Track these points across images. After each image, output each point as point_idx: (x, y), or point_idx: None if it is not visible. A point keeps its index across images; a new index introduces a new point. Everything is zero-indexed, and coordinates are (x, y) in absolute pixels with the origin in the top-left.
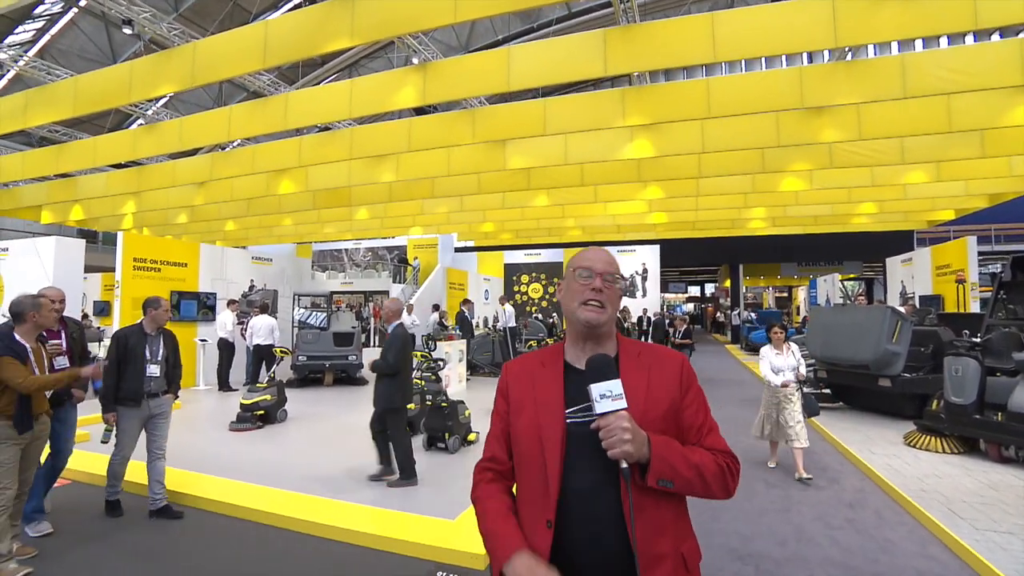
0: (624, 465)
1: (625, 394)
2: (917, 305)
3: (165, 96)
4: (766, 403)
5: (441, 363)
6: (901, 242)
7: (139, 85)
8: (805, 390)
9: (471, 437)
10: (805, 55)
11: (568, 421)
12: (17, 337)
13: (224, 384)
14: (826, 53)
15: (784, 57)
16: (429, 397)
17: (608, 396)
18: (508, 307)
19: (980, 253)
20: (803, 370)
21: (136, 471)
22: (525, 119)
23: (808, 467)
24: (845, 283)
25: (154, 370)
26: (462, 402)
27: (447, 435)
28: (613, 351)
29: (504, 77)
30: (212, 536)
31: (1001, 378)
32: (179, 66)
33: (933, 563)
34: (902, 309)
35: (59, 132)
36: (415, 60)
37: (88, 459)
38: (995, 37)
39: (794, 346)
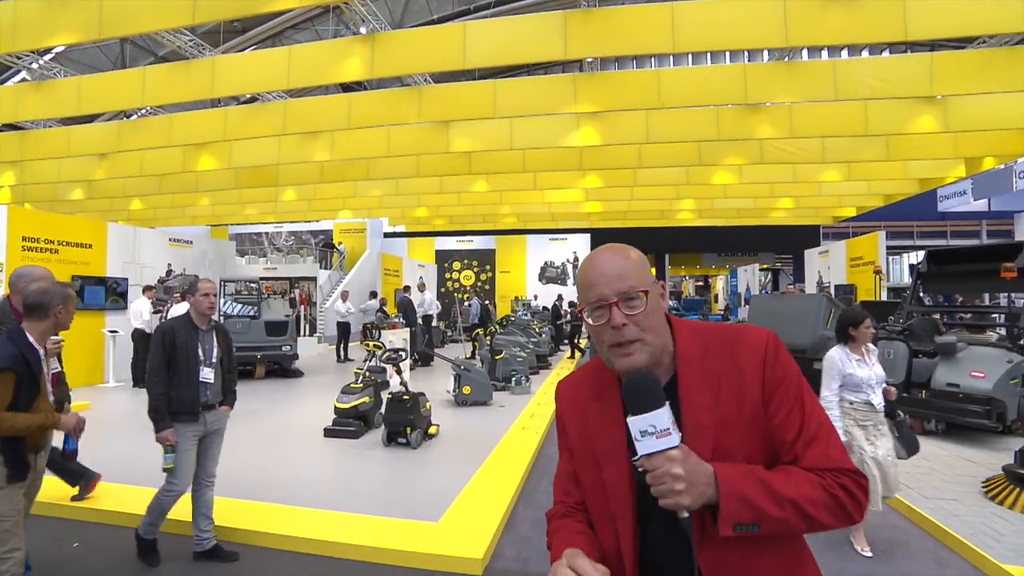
0: (684, 515)
1: (688, 421)
2: (832, 293)
3: (53, 50)
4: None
5: (403, 353)
6: (809, 236)
7: (26, 31)
8: (900, 417)
9: (432, 430)
10: (747, 54)
11: (640, 469)
12: (31, 339)
13: (140, 380)
14: (765, 53)
15: (728, 54)
16: (392, 391)
17: (651, 432)
18: (428, 294)
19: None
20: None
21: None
22: (474, 100)
23: None
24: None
25: (208, 375)
26: (423, 394)
27: (409, 429)
28: (668, 364)
29: (460, 53)
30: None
31: (923, 359)
32: (81, 12)
33: (898, 532)
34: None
35: None
36: (363, 29)
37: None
38: (885, 53)
39: (875, 350)
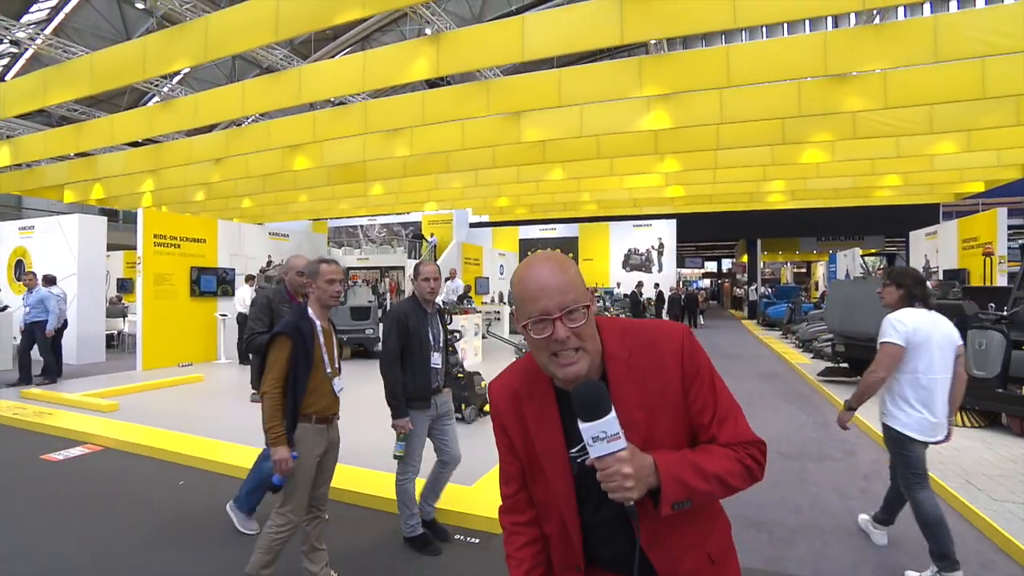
0: (630, 503)
1: (622, 414)
2: (941, 279)
3: (180, 73)
4: None
5: (457, 335)
6: (926, 215)
7: (153, 61)
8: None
9: (487, 408)
10: (830, 20)
11: (578, 460)
12: (310, 313)
13: (244, 358)
14: (852, 17)
15: (808, 22)
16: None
17: (603, 438)
18: (458, 281)
19: (1010, 226)
20: None
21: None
22: (540, 90)
23: (824, 440)
24: (866, 258)
25: (437, 360)
26: (478, 373)
27: (464, 406)
28: (596, 364)
29: (518, 47)
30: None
31: None
32: (192, 41)
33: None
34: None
35: (78, 112)
36: (428, 31)
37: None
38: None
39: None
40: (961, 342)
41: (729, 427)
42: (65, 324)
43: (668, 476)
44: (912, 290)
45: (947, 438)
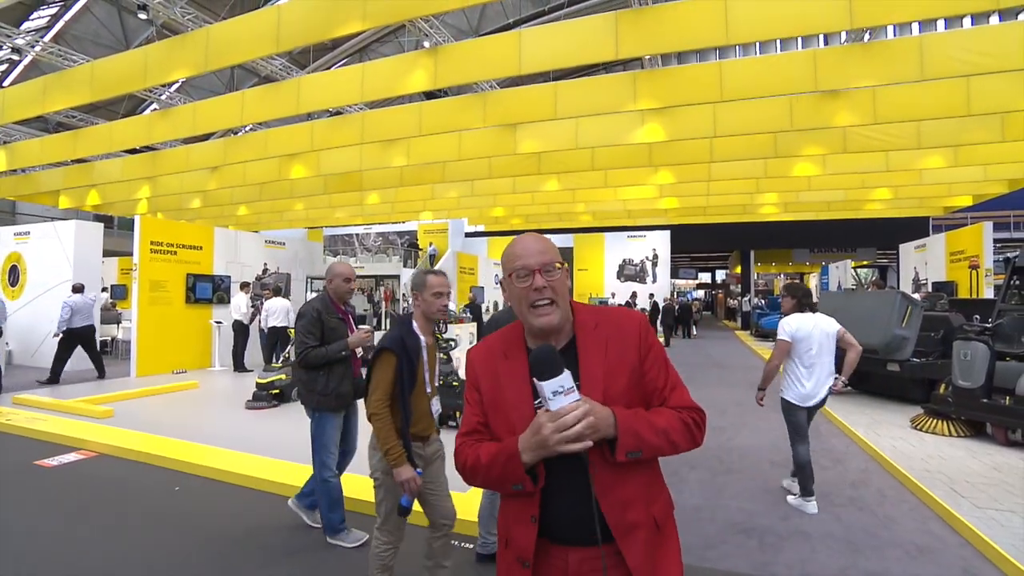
0: (583, 453)
1: (584, 373)
2: (930, 291)
3: (178, 81)
4: None
5: (452, 343)
6: (916, 229)
7: (154, 70)
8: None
9: None
10: (821, 38)
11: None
12: (415, 327)
13: (239, 365)
14: (843, 35)
15: (800, 40)
16: (441, 377)
17: (560, 392)
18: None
19: (997, 240)
20: None
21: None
22: (536, 103)
23: (814, 449)
24: (858, 270)
25: None
26: None
27: (457, 413)
28: (568, 331)
29: (515, 61)
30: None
31: (1011, 363)
32: (193, 51)
33: (932, 538)
34: (916, 296)
35: (75, 118)
36: (426, 44)
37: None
38: (993, 19)
39: None
40: (838, 328)
41: (678, 394)
42: (93, 329)
43: (625, 427)
44: (802, 300)
45: (834, 388)
